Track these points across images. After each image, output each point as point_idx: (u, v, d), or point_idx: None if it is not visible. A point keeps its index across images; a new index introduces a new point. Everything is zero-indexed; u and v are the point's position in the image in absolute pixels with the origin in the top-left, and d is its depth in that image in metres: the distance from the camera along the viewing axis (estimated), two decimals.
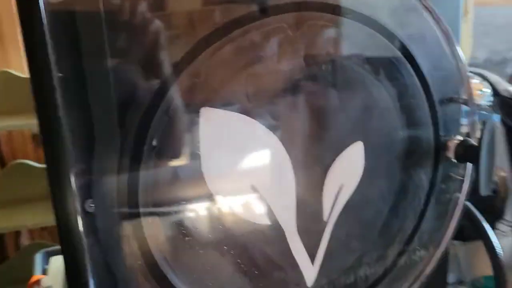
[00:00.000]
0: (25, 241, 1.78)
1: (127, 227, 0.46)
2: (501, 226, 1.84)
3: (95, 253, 0.44)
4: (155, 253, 0.47)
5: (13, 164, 1.62)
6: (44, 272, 1.00)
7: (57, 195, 0.44)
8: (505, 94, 1.69)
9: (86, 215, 0.44)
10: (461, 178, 0.57)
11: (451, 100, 0.55)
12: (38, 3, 0.36)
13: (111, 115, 0.42)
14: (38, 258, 1.05)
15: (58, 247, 1.10)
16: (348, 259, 0.55)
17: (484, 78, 1.64)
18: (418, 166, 0.55)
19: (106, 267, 0.46)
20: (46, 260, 1.03)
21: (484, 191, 0.53)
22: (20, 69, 1.61)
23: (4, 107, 1.57)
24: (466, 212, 0.76)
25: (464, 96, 0.55)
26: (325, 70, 0.48)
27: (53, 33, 0.37)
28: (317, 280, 0.53)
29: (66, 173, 0.43)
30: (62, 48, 0.38)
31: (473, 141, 0.53)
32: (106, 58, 0.40)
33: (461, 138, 0.54)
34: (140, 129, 0.43)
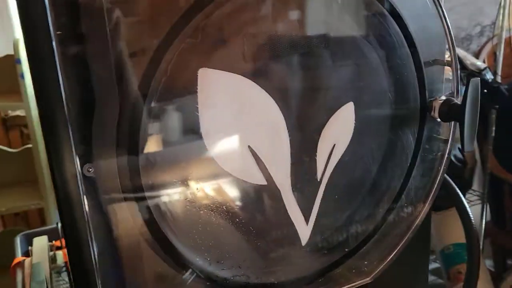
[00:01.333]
0: None
1: (127, 191, 0.46)
2: (469, 196, 1.92)
3: (94, 217, 0.44)
4: (155, 214, 0.47)
5: None
6: (26, 254, 0.98)
7: (55, 160, 0.43)
8: (472, 68, 1.75)
9: (85, 179, 0.44)
10: (445, 138, 0.60)
11: (436, 61, 0.57)
12: None
13: (110, 75, 0.41)
14: (18, 241, 1.03)
15: (38, 229, 1.09)
16: (340, 217, 0.57)
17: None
18: (406, 125, 0.57)
19: (106, 231, 0.46)
20: (26, 243, 1.02)
21: (467, 147, 0.56)
22: None
23: None
24: (443, 183, 0.80)
25: (448, 58, 0.57)
26: (318, 31, 0.49)
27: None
28: (311, 238, 0.55)
29: (65, 138, 0.42)
30: (59, 5, 0.38)
31: (456, 100, 0.55)
32: (105, 18, 0.39)
33: (444, 97, 0.56)
34: (139, 90, 0.43)
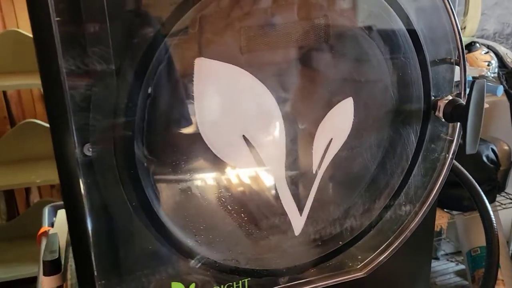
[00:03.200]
0: (34, 198, 1.83)
1: (123, 172, 0.48)
2: (501, 199, 1.85)
3: (93, 195, 0.47)
4: (150, 197, 0.49)
5: (22, 123, 1.65)
6: (52, 224, 1.04)
7: (57, 139, 0.46)
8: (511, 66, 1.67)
9: (85, 158, 0.46)
10: (450, 138, 0.59)
11: (443, 60, 0.56)
12: None
13: (109, 61, 0.43)
14: (46, 212, 1.09)
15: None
16: (336, 210, 0.58)
17: (492, 50, 1.63)
18: (408, 124, 0.57)
19: (103, 208, 0.48)
20: (53, 214, 1.08)
21: (470, 149, 0.55)
22: (29, 29, 1.63)
23: (14, 66, 1.59)
24: (466, 184, 0.78)
25: (456, 57, 0.56)
26: (317, 25, 0.50)
27: None
28: (304, 229, 0.56)
29: (66, 118, 0.45)
30: None
31: (462, 101, 0.54)
32: (103, 4, 0.41)
33: (450, 97, 0.55)
34: (136, 77, 0.45)
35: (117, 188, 0.48)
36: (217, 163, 0.51)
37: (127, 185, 0.48)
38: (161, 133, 0.48)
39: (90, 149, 0.46)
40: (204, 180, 0.52)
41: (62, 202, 1.13)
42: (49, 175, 1.60)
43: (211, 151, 0.50)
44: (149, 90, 0.46)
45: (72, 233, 0.49)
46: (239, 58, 0.48)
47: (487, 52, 1.56)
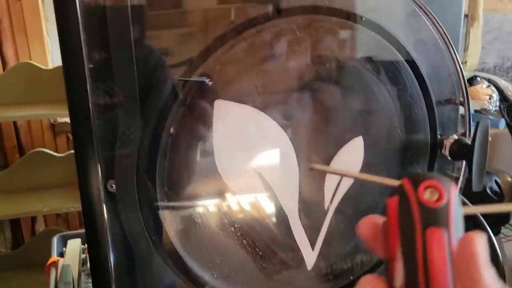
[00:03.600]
0: (40, 227, 1.84)
1: (145, 209, 0.50)
2: (506, 231, 1.85)
3: (115, 230, 0.49)
4: (170, 233, 0.51)
5: (31, 152, 1.68)
6: (61, 254, 1.05)
7: (82, 175, 0.48)
8: None
9: (108, 194, 0.48)
10: (456, 175, 0.61)
11: (448, 101, 0.59)
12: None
13: (134, 103, 0.46)
14: (55, 241, 1.10)
15: (74, 231, 1.16)
16: (346, 245, 0.59)
17: (493, 83, 1.67)
18: (415, 162, 0.59)
19: (125, 243, 0.50)
20: (62, 244, 1.09)
21: (476, 187, 0.57)
22: (41, 61, 1.68)
23: (26, 97, 1.63)
24: (470, 216, 0.80)
25: (461, 98, 0.58)
26: (330, 69, 0.53)
27: (86, 26, 0.42)
28: (316, 264, 0.57)
29: (92, 155, 0.47)
30: (93, 40, 0.43)
31: (467, 140, 0.57)
32: (132, 49, 0.44)
33: (456, 137, 0.58)
34: (159, 117, 0.48)
35: (137, 222, 0.50)
36: (233, 198, 0.53)
37: (147, 219, 0.50)
38: (181, 171, 0.51)
39: (114, 185, 0.49)
40: (220, 215, 0.54)
41: (71, 232, 1.14)
42: (56, 204, 1.61)
43: (228, 187, 0.52)
44: (171, 130, 0.49)
45: (93, 266, 0.51)
46: (256, 99, 0.51)
47: (488, 86, 1.60)
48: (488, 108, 1.56)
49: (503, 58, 1.96)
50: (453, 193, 0.27)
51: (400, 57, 0.54)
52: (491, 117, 1.53)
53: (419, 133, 0.58)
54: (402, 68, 0.55)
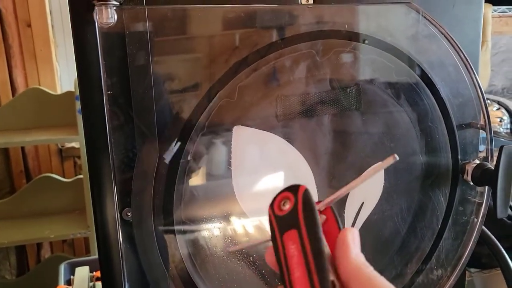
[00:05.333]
0: (45, 253, 1.82)
1: (161, 237, 0.49)
2: None
3: (130, 258, 0.48)
4: (186, 261, 0.49)
5: (38, 177, 1.67)
6: (68, 282, 1.03)
7: (98, 203, 0.47)
8: None
9: (124, 222, 0.47)
10: (479, 201, 0.59)
11: (469, 125, 0.58)
12: (95, 25, 0.41)
13: (152, 130, 0.45)
14: (62, 269, 1.08)
15: (81, 258, 1.14)
16: None
17: (503, 105, 1.66)
18: (437, 187, 0.58)
19: (140, 272, 0.49)
20: (69, 271, 1.07)
21: (501, 214, 0.55)
22: (49, 86, 1.69)
23: (33, 122, 1.63)
24: (484, 239, 0.78)
25: (482, 122, 0.57)
26: (349, 94, 0.52)
27: (105, 52, 0.42)
28: None
29: (109, 183, 0.46)
30: (112, 66, 0.43)
31: (490, 165, 0.55)
32: (151, 75, 0.44)
33: (478, 161, 0.56)
34: (177, 144, 0.47)
35: (153, 250, 0.48)
36: (252, 227, 0.51)
37: (163, 248, 0.49)
38: (199, 198, 0.49)
39: (129, 214, 0.47)
40: (238, 244, 0.52)
41: (79, 259, 1.13)
42: (63, 230, 1.59)
43: (246, 214, 0.51)
44: (189, 157, 0.47)
45: None
46: (275, 125, 0.50)
47: (498, 108, 1.59)
48: (498, 131, 1.55)
49: (511, 80, 1.95)
50: (301, 195, 0.31)
51: (420, 81, 0.53)
52: (502, 139, 1.52)
53: (440, 158, 0.57)
54: (422, 93, 0.54)
